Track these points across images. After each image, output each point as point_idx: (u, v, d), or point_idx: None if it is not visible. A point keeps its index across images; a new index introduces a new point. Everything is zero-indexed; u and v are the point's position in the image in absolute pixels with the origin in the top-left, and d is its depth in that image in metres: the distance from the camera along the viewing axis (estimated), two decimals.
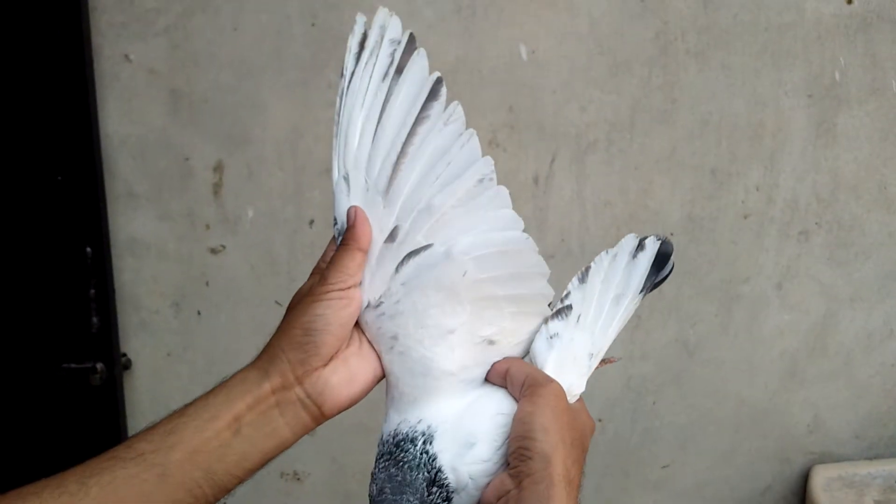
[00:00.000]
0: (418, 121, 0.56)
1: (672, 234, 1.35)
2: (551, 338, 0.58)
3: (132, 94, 1.29)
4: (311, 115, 1.29)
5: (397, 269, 0.55)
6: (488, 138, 1.30)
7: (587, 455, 0.55)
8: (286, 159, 1.31)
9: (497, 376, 0.57)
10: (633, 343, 1.39)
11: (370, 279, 0.56)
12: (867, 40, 1.28)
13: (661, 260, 0.61)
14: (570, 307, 0.59)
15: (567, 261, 1.33)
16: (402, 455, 0.53)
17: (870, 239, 1.36)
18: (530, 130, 1.31)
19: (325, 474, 1.45)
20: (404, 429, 0.54)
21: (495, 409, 0.55)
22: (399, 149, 0.56)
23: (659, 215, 1.34)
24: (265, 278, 1.36)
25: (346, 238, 0.55)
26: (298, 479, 1.46)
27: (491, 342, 0.57)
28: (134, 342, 1.38)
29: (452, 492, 0.53)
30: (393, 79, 0.57)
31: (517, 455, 0.51)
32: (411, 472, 0.52)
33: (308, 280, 0.57)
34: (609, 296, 0.60)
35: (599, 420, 1.43)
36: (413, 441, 0.54)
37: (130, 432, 1.40)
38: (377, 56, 0.57)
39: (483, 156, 0.56)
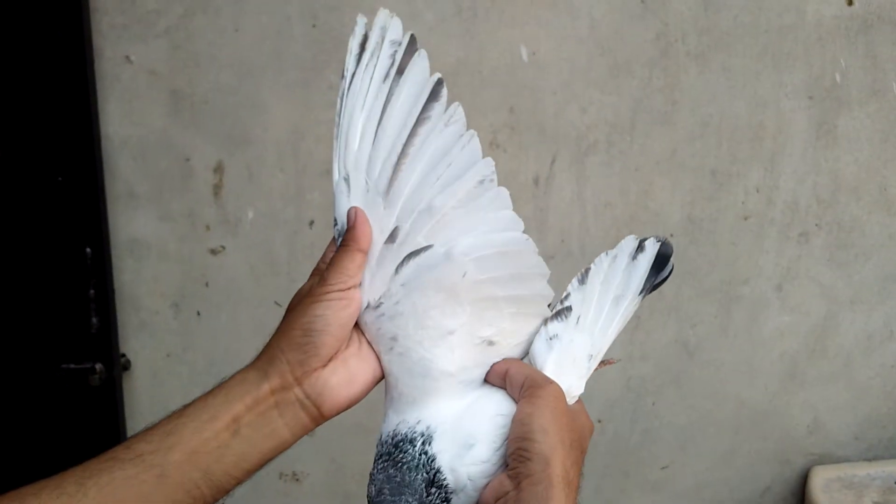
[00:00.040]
0: (419, 122, 0.56)
1: (672, 236, 1.35)
2: (551, 339, 0.58)
3: (133, 94, 1.29)
4: (312, 116, 1.30)
5: (397, 270, 0.55)
6: (489, 139, 1.30)
7: (586, 456, 0.55)
8: (287, 160, 1.31)
9: (496, 377, 0.57)
10: (632, 344, 1.39)
11: (370, 280, 0.56)
12: (868, 42, 1.28)
13: (661, 261, 0.62)
14: (569, 308, 0.59)
15: (567, 262, 1.33)
16: (400, 456, 0.53)
17: (870, 240, 1.36)
18: (531, 132, 1.31)
19: (324, 475, 1.45)
20: (403, 429, 0.54)
21: (494, 410, 0.55)
22: (399, 150, 0.56)
23: (659, 216, 1.34)
24: (265, 279, 1.36)
25: (346, 239, 0.55)
26: (297, 479, 1.46)
27: (490, 343, 0.57)
28: (133, 343, 1.38)
29: (451, 493, 0.53)
30: (394, 80, 0.57)
31: (516, 456, 0.51)
32: (410, 472, 0.52)
33: (308, 281, 0.57)
34: (609, 297, 0.61)
35: (599, 421, 1.43)
36: (412, 442, 0.54)
37: (130, 433, 1.40)
38: (378, 57, 0.57)
39: (483, 157, 0.56)
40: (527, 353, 0.59)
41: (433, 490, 0.52)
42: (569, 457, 0.51)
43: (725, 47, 1.28)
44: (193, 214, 1.33)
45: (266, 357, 0.54)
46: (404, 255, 0.55)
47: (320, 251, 0.59)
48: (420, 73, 0.57)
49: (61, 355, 1.33)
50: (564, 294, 0.60)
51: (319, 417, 0.55)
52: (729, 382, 1.42)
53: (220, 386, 0.54)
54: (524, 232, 0.56)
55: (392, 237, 0.55)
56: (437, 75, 0.57)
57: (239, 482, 0.53)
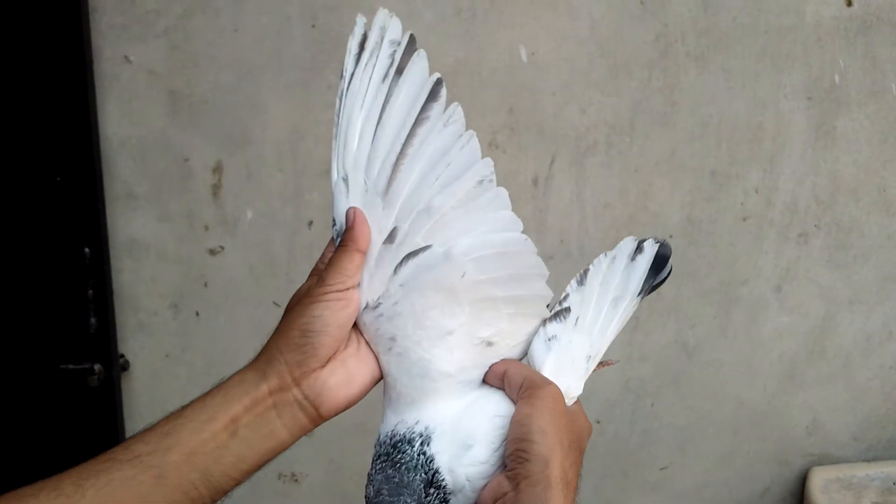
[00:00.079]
0: (418, 122, 0.56)
1: (671, 236, 1.35)
2: (549, 340, 0.58)
3: (132, 95, 1.29)
4: (311, 117, 1.29)
5: (396, 271, 0.55)
6: (488, 140, 1.30)
7: (585, 457, 0.55)
8: (286, 160, 1.31)
9: (495, 378, 0.57)
10: (632, 345, 1.39)
11: (369, 280, 0.56)
12: (867, 43, 1.28)
13: (660, 262, 0.62)
14: (568, 309, 0.59)
15: (566, 262, 1.33)
16: (399, 456, 0.53)
17: (869, 241, 1.36)
18: (530, 132, 1.31)
19: (323, 475, 1.45)
20: (402, 430, 0.54)
21: (493, 410, 0.55)
22: (398, 150, 0.56)
23: (658, 217, 1.34)
24: (264, 279, 1.36)
25: (344, 239, 0.55)
26: (296, 480, 1.45)
27: (489, 343, 0.57)
28: (132, 343, 1.38)
29: (449, 493, 0.53)
30: (393, 80, 0.57)
31: (514, 457, 0.51)
32: (409, 473, 0.52)
33: (306, 281, 0.57)
34: (607, 298, 0.61)
35: (598, 422, 1.43)
36: (410, 442, 0.53)
37: (128, 434, 1.39)
38: (377, 57, 0.57)
39: (483, 157, 0.56)
40: (525, 353, 0.59)
41: (432, 491, 0.52)
42: (567, 458, 0.51)
43: (725, 48, 1.28)
44: (192, 215, 1.33)
45: (264, 358, 0.54)
46: (403, 255, 0.55)
47: (319, 251, 0.59)
48: (419, 73, 0.57)
49: (60, 356, 1.33)
50: (563, 295, 0.60)
51: (318, 418, 0.54)
52: (728, 383, 1.42)
53: (219, 387, 0.54)
54: (523, 232, 0.56)
55: (391, 237, 0.55)
56: (437, 75, 0.57)
57: (237, 483, 0.53)
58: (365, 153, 0.56)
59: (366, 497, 0.54)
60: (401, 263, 0.55)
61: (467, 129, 0.56)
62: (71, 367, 1.33)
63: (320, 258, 0.58)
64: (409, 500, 0.52)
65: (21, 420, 1.36)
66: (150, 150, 1.31)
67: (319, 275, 0.55)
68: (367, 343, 0.57)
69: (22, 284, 1.32)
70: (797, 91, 1.30)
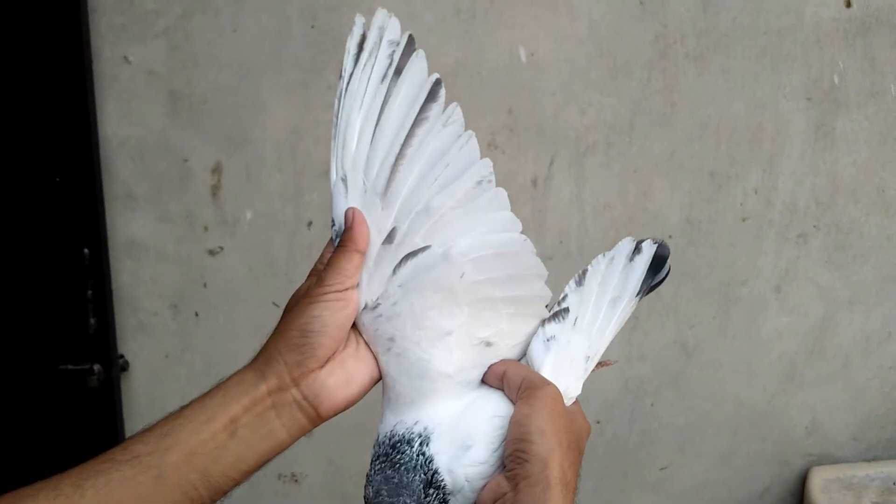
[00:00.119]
0: (417, 122, 0.56)
1: (671, 237, 1.35)
2: (548, 340, 0.58)
3: (131, 95, 1.29)
4: (311, 117, 1.29)
5: (395, 271, 0.55)
6: (487, 140, 1.30)
7: (584, 457, 0.55)
8: (285, 161, 1.31)
9: (494, 378, 0.57)
10: (631, 345, 1.39)
11: (368, 281, 0.56)
12: (866, 44, 1.28)
13: (658, 263, 0.62)
14: (566, 310, 0.59)
15: (566, 263, 1.33)
16: (398, 457, 0.53)
17: (868, 242, 1.36)
18: (529, 133, 1.31)
19: (322, 476, 1.45)
20: (401, 430, 0.54)
21: (492, 411, 0.55)
22: (397, 150, 0.56)
23: (658, 218, 1.34)
24: (263, 280, 1.36)
25: (343, 240, 0.55)
26: (296, 480, 1.45)
27: (488, 344, 0.57)
28: (132, 344, 1.38)
29: (449, 494, 0.53)
30: (392, 80, 0.57)
31: (514, 457, 0.51)
32: (408, 473, 0.52)
33: (305, 282, 0.57)
34: (606, 299, 0.61)
35: (598, 422, 1.43)
36: (409, 442, 0.53)
37: (128, 434, 1.39)
38: (376, 57, 0.57)
39: (482, 157, 0.56)
40: (524, 354, 0.59)
41: (431, 491, 0.52)
42: (566, 458, 0.51)
43: (724, 49, 1.28)
44: (192, 215, 1.33)
45: (263, 358, 0.54)
46: (402, 255, 0.55)
47: (319, 252, 0.59)
48: (418, 73, 0.57)
49: (59, 356, 1.33)
50: (562, 296, 0.60)
51: (317, 418, 0.54)
52: (727, 383, 1.42)
53: (218, 387, 0.54)
54: (522, 233, 0.56)
55: (390, 238, 0.55)
56: (436, 76, 0.57)
57: (236, 483, 0.53)
58: (364, 154, 0.56)
59: (365, 498, 0.54)
60: (400, 264, 0.55)
61: (466, 129, 0.56)
62: (70, 367, 1.33)
63: (319, 258, 0.58)
64: (408, 501, 0.52)
65: (20, 420, 1.36)
66: (150, 151, 1.31)
67: (318, 275, 0.55)
68: (366, 343, 0.57)
69: (21, 285, 1.32)
70: (796, 92, 1.30)
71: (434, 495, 0.52)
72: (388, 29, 0.58)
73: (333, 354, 0.55)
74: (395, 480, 0.52)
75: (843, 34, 1.28)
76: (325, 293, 0.54)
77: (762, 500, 1.49)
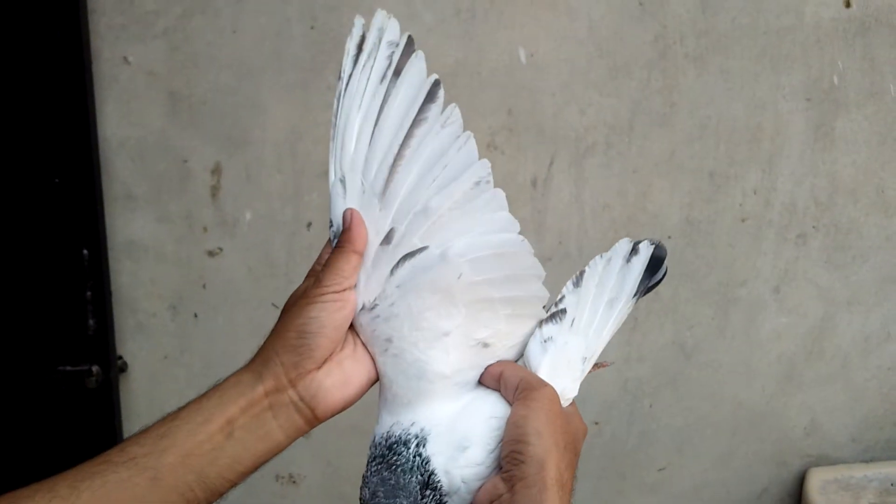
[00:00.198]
0: (415, 123, 0.56)
1: (670, 237, 1.35)
2: (545, 341, 0.58)
3: (131, 96, 1.29)
4: (311, 118, 1.29)
5: (392, 272, 0.55)
6: (487, 141, 1.30)
7: (582, 458, 0.55)
8: (285, 161, 1.31)
9: (491, 379, 0.57)
10: (629, 345, 1.39)
11: (365, 281, 0.56)
12: (866, 44, 1.28)
13: (655, 264, 0.62)
14: (564, 311, 0.59)
15: (565, 263, 1.33)
16: (394, 458, 0.53)
17: (867, 242, 1.36)
18: (529, 133, 1.31)
19: (320, 477, 1.45)
20: (397, 431, 0.54)
21: (489, 412, 0.55)
22: (396, 151, 0.56)
23: (657, 218, 1.34)
24: (263, 281, 1.36)
25: (341, 240, 0.55)
26: (294, 481, 1.45)
27: (485, 345, 0.57)
28: (130, 345, 1.38)
29: (445, 495, 0.53)
30: (391, 81, 0.57)
31: (510, 459, 0.51)
32: (405, 475, 0.52)
33: (303, 282, 0.57)
34: (603, 300, 0.61)
35: (596, 423, 1.43)
36: (406, 444, 0.53)
37: (126, 435, 1.39)
38: (375, 58, 0.57)
39: (480, 158, 0.56)
40: (521, 355, 0.59)
41: (427, 492, 0.52)
42: (563, 459, 0.51)
43: (724, 49, 1.28)
44: (191, 216, 1.33)
45: (261, 359, 0.54)
46: (400, 256, 0.55)
47: (318, 253, 0.59)
48: (417, 74, 0.57)
49: (58, 357, 1.33)
50: (559, 296, 0.60)
51: (314, 420, 0.54)
52: (726, 384, 1.42)
53: (215, 388, 0.54)
54: (521, 233, 0.56)
55: (388, 238, 0.55)
56: (434, 76, 0.57)
57: (233, 485, 0.53)
58: (362, 154, 0.56)
59: (361, 499, 0.54)
60: (397, 265, 0.55)
61: (466, 129, 0.56)
62: (69, 368, 1.33)
63: (317, 259, 0.58)
64: (404, 502, 0.52)
65: (19, 421, 1.36)
66: (149, 151, 1.31)
67: (316, 276, 0.55)
68: (364, 344, 0.57)
69: (20, 286, 1.32)
70: (796, 92, 1.30)
71: (430, 496, 0.52)
72: (387, 30, 0.58)
73: (331, 355, 0.54)
74: (392, 482, 0.52)
75: (843, 34, 1.28)
76: (323, 294, 0.54)
77: (760, 501, 1.49)
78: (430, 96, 0.56)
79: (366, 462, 0.55)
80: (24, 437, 1.37)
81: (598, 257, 0.62)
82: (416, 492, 0.52)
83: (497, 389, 0.57)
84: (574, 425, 0.55)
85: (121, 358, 1.38)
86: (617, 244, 0.62)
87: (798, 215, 1.35)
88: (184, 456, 0.50)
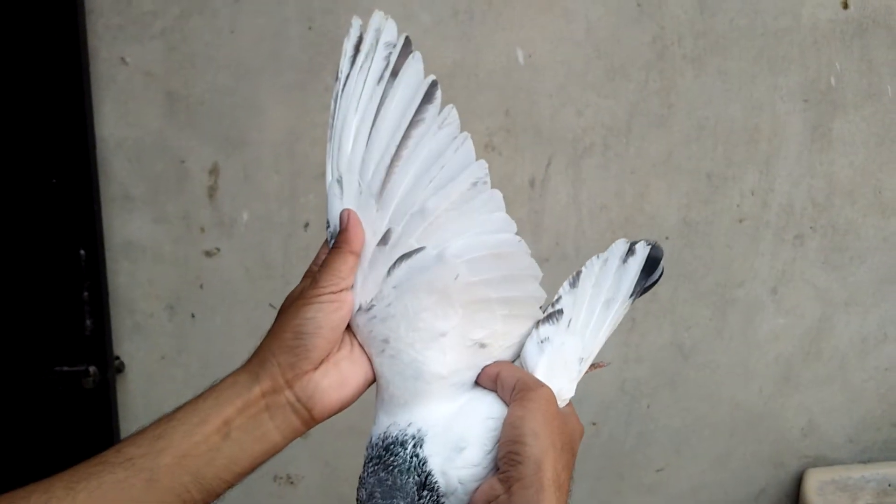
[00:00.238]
0: (413, 124, 0.56)
1: (667, 238, 1.35)
2: (542, 342, 0.58)
3: (128, 96, 1.29)
4: (308, 119, 1.29)
5: (389, 272, 0.55)
6: (484, 142, 1.30)
7: (580, 459, 0.55)
8: (282, 162, 1.31)
9: (487, 380, 0.57)
10: (627, 346, 1.39)
11: (362, 282, 0.55)
12: (863, 45, 1.28)
13: (651, 264, 0.62)
14: (560, 311, 0.59)
15: (562, 264, 1.33)
16: (391, 459, 0.53)
17: (865, 243, 1.36)
18: (527, 134, 1.31)
19: (318, 478, 1.45)
20: (394, 432, 0.54)
21: (486, 412, 0.55)
22: (393, 152, 0.56)
23: (655, 219, 1.34)
24: (260, 281, 1.35)
25: (338, 241, 0.55)
26: (292, 482, 1.45)
27: (482, 345, 0.57)
28: (127, 345, 1.38)
29: (442, 496, 0.53)
30: (388, 82, 0.57)
31: (507, 459, 0.51)
32: (401, 475, 0.52)
33: (300, 283, 0.57)
34: (599, 300, 0.61)
35: (594, 423, 1.43)
36: (403, 444, 0.53)
37: (123, 436, 1.39)
38: (372, 59, 0.57)
39: (478, 159, 0.56)
40: (518, 355, 0.59)
41: (425, 493, 0.52)
42: (559, 460, 0.51)
43: (721, 50, 1.28)
44: (188, 216, 1.33)
45: (257, 360, 0.54)
46: (396, 257, 0.55)
47: (315, 253, 0.59)
48: (414, 75, 0.57)
49: (55, 357, 1.33)
50: (556, 297, 0.60)
51: (311, 421, 0.54)
52: (724, 385, 1.42)
53: (211, 389, 0.54)
54: (518, 234, 0.56)
55: (384, 239, 0.55)
56: (432, 77, 0.57)
57: (230, 486, 0.53)
58: (359, 155, 0.56)
59: (358, 500, 0.53)
60: (394, 265, 0.55)
61: (463, 130, 0.56)
62: (66, 368, 1.33)
63: (314, 260, 0.58)
64: (401, 503, 0.52)
65: (15, 422, 1.36)
66: (147, 152, 1.31)
67: (313, 276, 0.55)
68: (361, 345, 0.57)
69: (17, 286, 1.32)
70: (793, 93, 1.30)
71: (428, 497, 0.52)
72: (384, 31, 0.58)
73: (327, 356, 0.54)
74: (389, 483, 0.52)
75: (840, 36, 1.28)
76: (320, 295, 0.54)
77: (758, 502, 1.49)
78: (428, 97, 0.56)
79: (363, 463, 0.55)
80: (21, 437, 1.36)
81: (594, 258, 0.62)
82: (413, 492, 0.52)
83: (494, 390, 0.56)
84: (571, 426, 0.55)
85: (118, 358, 1.38)
86: (613, 245, 0.62)
87: (795, 216, 1.35)
88: (180, 457, 0.50)
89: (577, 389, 0.59)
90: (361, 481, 0.54)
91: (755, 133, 1.31)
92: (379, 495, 0.52)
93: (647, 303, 1.36)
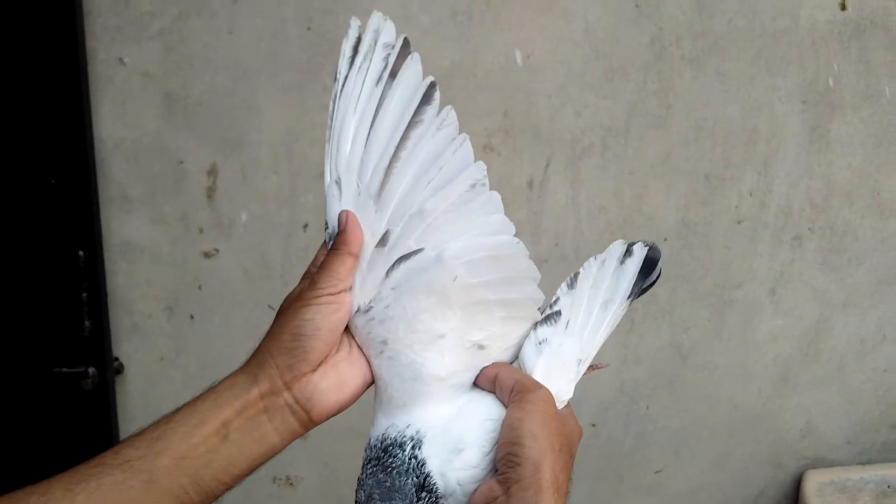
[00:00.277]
0: (411, 125, 0.56)
1: (666, 239, 1.35)
2: (540, 343, 0.58)
3: (126, 97, 1.29)
4: (307, 119, 1.29)
5: (388, 274, 0.55)
6: (483, 143, 1.30)
7: (579, 460, 0.55)
8: (281, 163, 1.31)
9: (486, 381, 0.57)
10: (626, 347, 1.39)
11: (360, 284, 0.55)
12: (861, 47, 1.28)
13: (649, 265, 0.62)
14: (559, 313, 0.59)
15: (561, 265, 1.33)
16: (390, 460, 0.53)
17: (863, 244, 1.36)
18: (525, 135, 1.31)
19: (317, 479, 1.45)
20: (393, 433, 0.54)
21: (484, 414, 0.55)
22: (391, 153, 0.56)
23: (653, 220, 1.34)
24: (259, 282, 1.35)
25: (336, 242, 0.55)
26: (291, 483, 1.45)
27: (481, 347, 0.57)
28: (126, 346, 1.38)
29: (440, 497, 0.53)
30: (386, 83, 0.57)
31: (506, 461, 0.51)
32: (400, 477, 0.52)
33: (298, 284, 0.57)
34: (597, 302, 0.61)
35: (593, 425, 1.43)
36: (402, 446, 0.53)
37: (122, 437, 1.39)
38: (371, 60, 0.57)
39: (476, 160, 0.56)
40: (516, 357, 0.59)
41: (423, 495, 0.52)
42: (558, 461, 0.51)
43: (720, 51, 1.28)
44: (187, 217, 1.33)
45: (256, 361, 0.54)
46: (395, 258, 0.55)
47: (314, 254, 0.59)
48: (413, 76, 0.57)
49: (54, 359, 1.32)
50: (554, 298, 0.60)
51: (309, 422, 0.54)
52: (722, 386, 1.42)
53: (210, 391, 0.54)
54: (517, 235, 0.56)
55: (383, 241, 0.55)
56: (430, 78, 0.57)
57: (228, 487, 0.53)
58: (358, 156, 0.56)
59: (357, 502, 0.53)
60: (393, 267, 0.55)
61: (462, 131, 0.56)
62: (65, 370, 1.32)
63: (313, 261, 0.58)
64: None
65: (14, 423, 1.36)
66: (145, 153, 1.31)
67: (311, 278, 0.55)
68: (359, 347, 0.57)
69: (16, 287, 1.32)
70: (791, 94, 1.30)
71: (426, 499, 0.52)
72: (383, 31, 0.58)
73: (326, 358, 0.54)
74: (387, 484, 0.52)
75: (838, 37, 1.28)
76: (318, 296, 0.53)
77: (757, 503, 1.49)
78: (426, 98, 0.56)
79: (361, 464, 0.55)
80: (21, 438, 1.36)
81: (592, 259, 0.62)
82: (412, 494, 0.52)
83: (492, 391, 0.56)
84: (569, 427, 0.55)
85: (117, 359, 1.38)
86: (611, 246, 0.62)
87: (794, 217, 1.35)
88: (178, 458, 0.50)
89: (575, 391, 0.59)
90: (360, 483, 0.54)
91: (753, 134, 1.31)
92: (377, 497, 0.52)
93: (646, 304, 1.36)
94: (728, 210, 1.34)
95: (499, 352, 0.58)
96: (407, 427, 0.54)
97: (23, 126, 1.27)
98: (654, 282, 0.62)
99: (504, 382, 0.55)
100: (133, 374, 1.39)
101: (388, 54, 0.57)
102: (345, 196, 0.56)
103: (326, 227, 0.57)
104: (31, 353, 1.33)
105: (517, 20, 1.27)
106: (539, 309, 0.59)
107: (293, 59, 1.28)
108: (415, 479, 0.52)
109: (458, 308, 0.55)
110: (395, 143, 0.56)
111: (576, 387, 0.59)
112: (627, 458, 1.46)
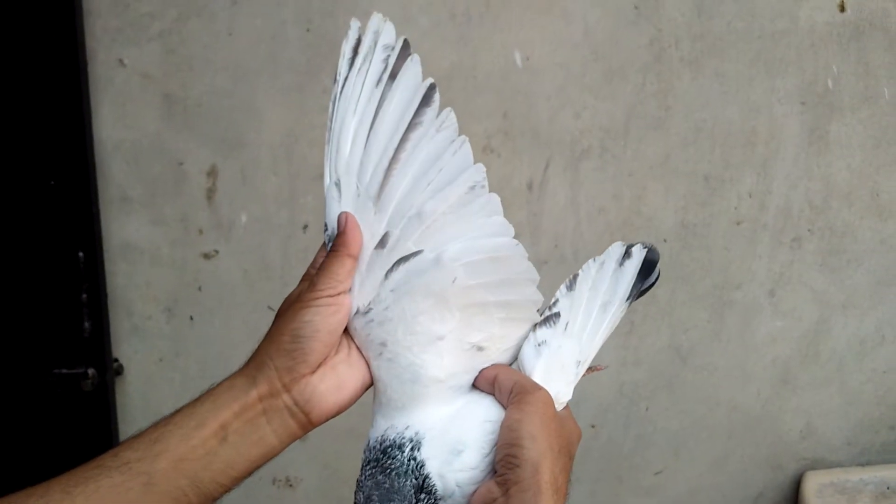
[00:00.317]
0: (411, 127, 0.56)
1: (665, 241, 1.35)
2: (539, 345, 0.58)
3: (126, 98, 1.29)
4: (306, 120, 1.30)
5: (387, 276, 0.55)
6: (482, 144, 1.30)
7: (578, 462, 0.55)
8: (280, 164, 1.31)
9: (485, 383, 0.57)
10: (625, 349, 1.39)
11: (360, 285, 0.55)
12: (860, 48, 1.28)
13: (648, 267, 0.62)
14: (557, 315, 0.59)
15: (560, 267, 1.33)
16: (389, 462, 0.53)
17: (862, 246, 1.36)
18: (524, 137, 1.31)
19: (317, 480, 1.45)
20: (392, 435, 0.54)
21: (483, 416, 0.55)
22: (391, 155, 0.56)
23: (652, 222, 1.34)
24: (258, 284, 1.35)
25: (335, 244, 0.55)
26: (291, 485, 1.45)
27: (480, 348, 0.57)
28: (126, 347, 1.38)
29: (440, 499, 0.52)
30: (386, 84, 0.57)
31: (505, 463, 0.51)
32: (399, 478, 0.52)
33: (298, 286, 0.57)
34: (596, 303, 0.61)
35: (592, 426, 1.43)
36: (401, 447, 0.53)
37: (122, 438, 1.39)
38: (370, 61, 0.57)
39: (476, 162, 0.56)
40: (515, 358, 0.59)
41: (422, 496, 0.52)
42: (557, 463, 0.51)
43: (719, 53, 1.28)
44: (186, 218, 1.33)
45: (255, 363, 0.54)
46: (394, 260, 0.55)
47: (314, 256, 0.59)
48: (412, 77, 0.57)
49: (53, 360, 1.32)
50: (553, 300, 0.60)
51: (308, 424, 0.54)
52: (722, 387, 1.42)
53: (209, 392, 0.54)
54: (517, 237, 0.56)
55: (382, 242, 0.55)
56: (430, 80, 0.57)
57: (227, 489, 0.53)
58: (357, 158, 0.56)
59: (356, 503, 0.54)
60: (392, 269, 0.55)
61: (461, 133, 0.56)
62: (64, 371, 1.32)
63: (312, 263, 0.58)
64: None
65: (14, 424, 1.36)
66: (145, 154, 1.31)
67: (310, 280, 0.55)
68: (358, 348, 0.57)
69: (16, 288, 1.32)
70: (791, 96, 1.30)
71: (425, 500, 0.52)
72: (383, 33, 0.58)
73: (325, 360, 0.54)
74: (387, 485, 0.52)
75: (837, 38, 1.28)
76: (317, 298, 0.53)
77: None
78: (426, 100, 0.56)
79: (360, 466, 0.55)
80: (20, 440, 1.36)
81: (591, 261, 0.62)
82: (411, 495, 0.52)
83: (491, 393, 0.56)
84: (568, 429, 0.55)
85: (116, 360, 1.38)
86: (610, 248, 0.62)
87: (793, 219, 1.35)
88: (177, 461, 0.50)
89: (575, 392, 0.59)
90: (359, 484, 0.54)
91: (752, 135, 1.32)
92: (376, 498, 0.52)
93: (645, 305, 1.36)
94: (727, 211, 1.34)
95: (498, 353, 0.58)
96: (406, 429, 0.54)
97: (23, 127, 1.27)
98: (654, 283, 0.62)
99: (503, 384, 0.55)
100: (133, 375, 1.39)
101: (388, 56, 0.57)
102: (344, 198, 0.56)
103: (326, 229, 0.57)
104: (30, 354, 1.33)
105: (516, 22, 1.27)
106: (538, 311, 0.59)
107: (293, 61, 1.28)
108: (414, 480, 0.52)
109: (457, 310, 0.55)
110: (395, 145, 0.56)
111: (575, 388, 0.59)
112: (627, 459, 1.46)
